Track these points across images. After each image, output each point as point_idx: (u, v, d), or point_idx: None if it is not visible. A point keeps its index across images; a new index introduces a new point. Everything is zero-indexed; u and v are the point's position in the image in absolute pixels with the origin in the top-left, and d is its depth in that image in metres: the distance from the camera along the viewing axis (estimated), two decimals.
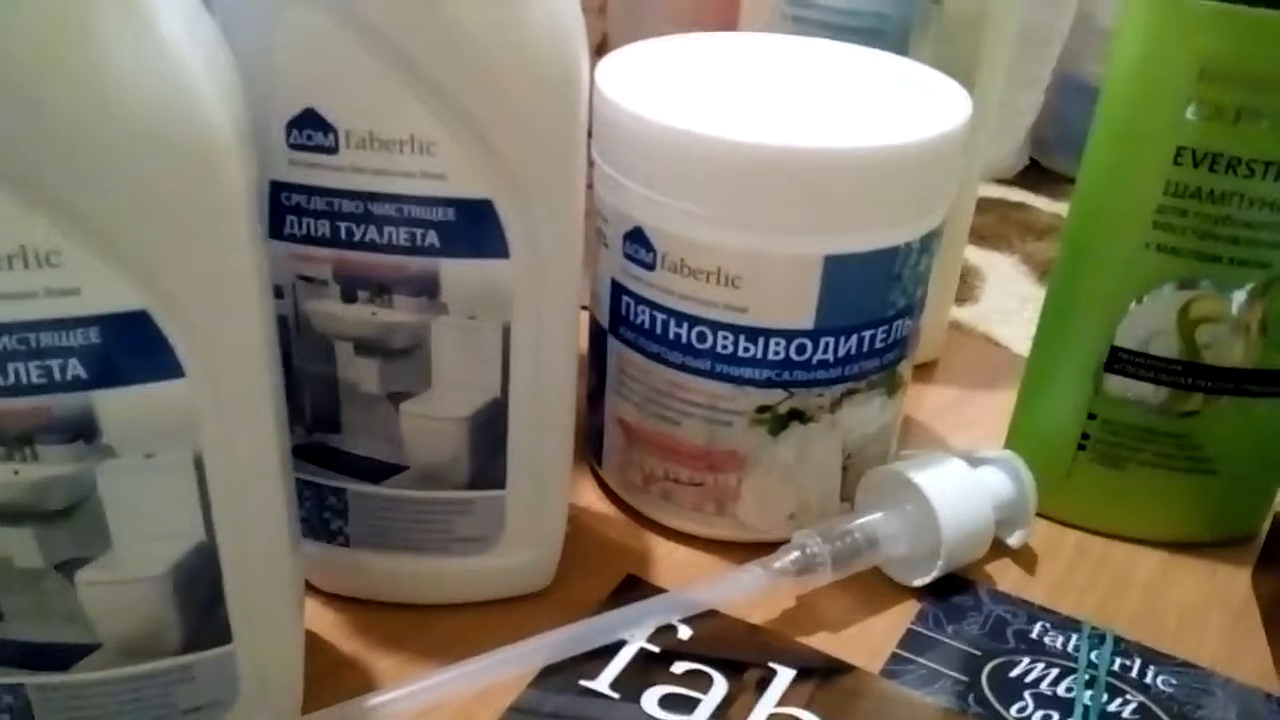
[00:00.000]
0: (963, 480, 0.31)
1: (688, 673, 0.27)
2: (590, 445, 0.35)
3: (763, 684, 0.27)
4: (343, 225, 0.24)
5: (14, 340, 0.18)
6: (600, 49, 0.43)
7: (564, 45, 0.23)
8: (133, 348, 0.19)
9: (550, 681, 0.26)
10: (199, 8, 0.19)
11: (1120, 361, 0.32)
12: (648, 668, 0.27)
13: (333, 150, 0.23)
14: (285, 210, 0.24)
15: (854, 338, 0.30)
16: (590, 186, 0.30)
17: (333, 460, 0.27)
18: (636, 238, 0.29)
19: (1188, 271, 0.31)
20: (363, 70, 0.22)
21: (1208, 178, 0.29)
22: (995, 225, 0.61)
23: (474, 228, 0.24)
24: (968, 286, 0.54)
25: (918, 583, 0.31)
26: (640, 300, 0.30)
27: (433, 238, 0.24)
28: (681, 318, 0.30)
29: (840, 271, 0.29)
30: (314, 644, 0.27)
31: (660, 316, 0.30)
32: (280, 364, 0.23)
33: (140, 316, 0.19)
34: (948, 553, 0.30)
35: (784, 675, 0.27)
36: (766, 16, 0.41)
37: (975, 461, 0.32)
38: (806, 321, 0.29)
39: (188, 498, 0.21)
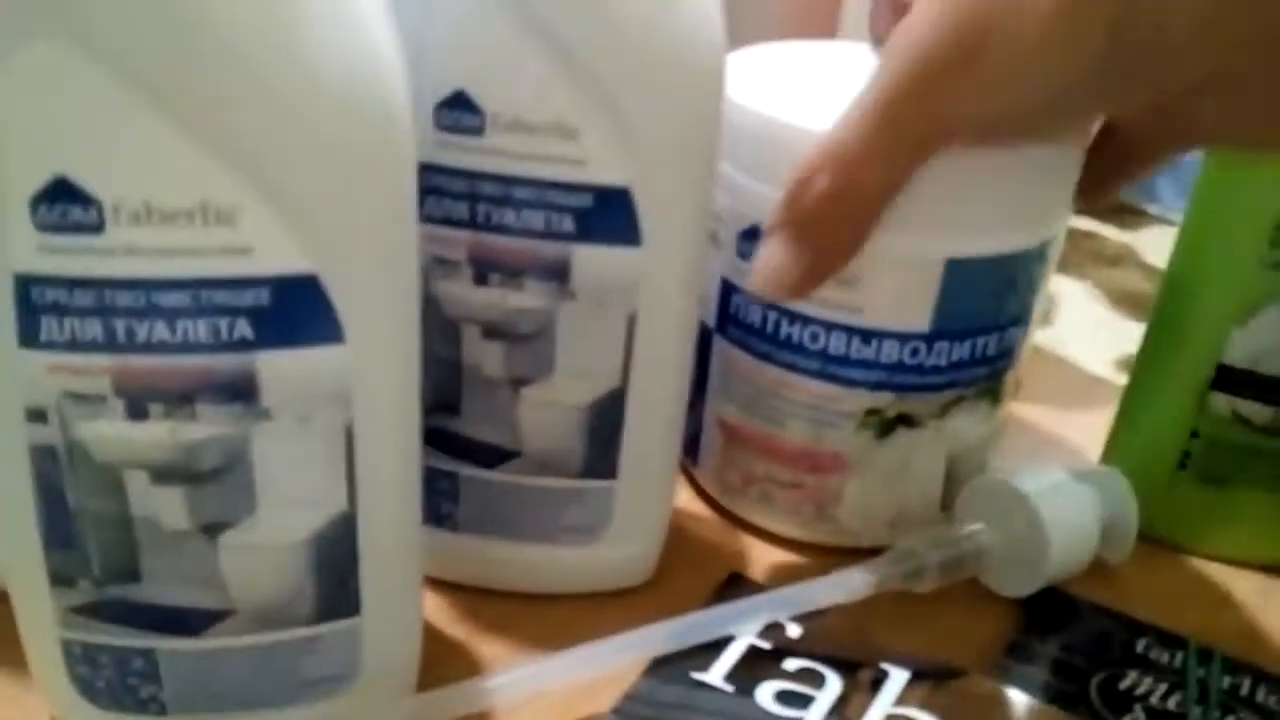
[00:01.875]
0: (1070, 494, 0.31)
1: (800, 670, 0.27)
2: (686, 446, 0.34)
3: (876, 684, 0.27)
4: (481, 208, 0.25)
5: (187, 296, 0.19)
6: None
7: (709, 39, 0.24)
8: (299, 311, 0.19)
9: (662, 672, 0.26)
10: None
11: (1228, 380, 0.32)
12: (759, 663, 0.27)
13: (479, 132, 0.24)
14: (427, 191, 0.24)
15: (968, 344, 0.30)
16: None
17: (449, 443, 0.28)
18: (753, 236, 0.29)
19: None
20: (514, 54, 0.23)
21: None
22: (1067, 253, 0.61)
23: (609, 215, 0.25)
24: (1042, 310, 0.54)
25: (1019, 594, 0.31)
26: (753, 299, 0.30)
27: (568, 223, 0.25)
28: (794, 317, 0.30)
29: (961, 275, 0.29)
30: (421, 627, 0.27)
31: (772, 315, 0.30)
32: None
33: (309, 280, 0.19)
34: (1052, 566, 0.30)
35: (898, 676, 0.27)
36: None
37: (1077, 476, 0.32)
38: (922, 325, 0.29)
39: (335, 465, 0.21)
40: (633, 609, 0.29)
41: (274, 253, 0.19)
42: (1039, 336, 0.51)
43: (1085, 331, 0.53)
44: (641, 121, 0.24)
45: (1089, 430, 0.37)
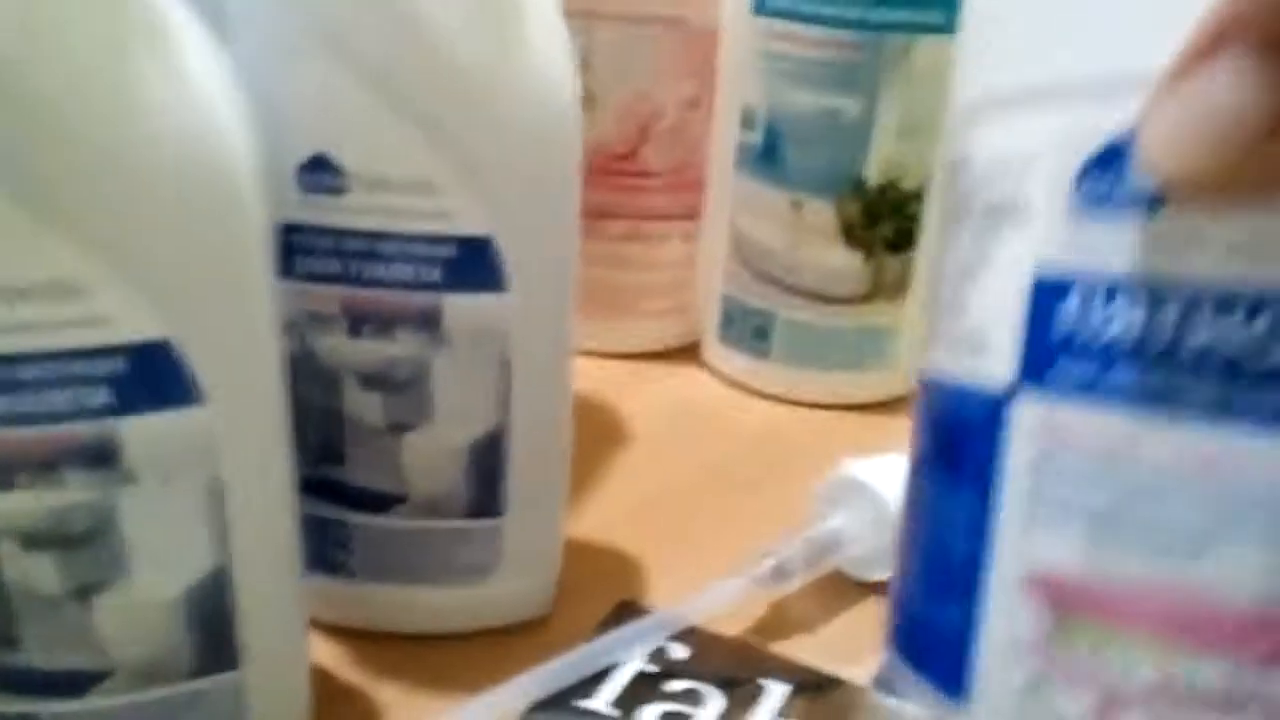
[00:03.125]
0: None
1: (684, 691, 0.28)
2: (914, 639, 0.19)
3: (755, 698, 0.28)
4: (350, 263, 0.25)
5: (45, 369, 0.19)
6: (585, 103, 0.45)
7: (557, 90, 0.25)
8: (157, 375, 0.20)
9: (549, 705, 0.27)
10: (220, 51, 0.21)
11: None
12: (644, 687, 0.28)
13: (341, 192, 0.25)
14: (295, 250, 0.25)
15: None
16: None
17: (337, 492, 0.28)
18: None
19: None
20: (369, 115, 0.24)
21: None
22: None
23: (474, 264, 0.26)
24: None
25: (879, 578, 0.33)
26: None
27: (436, 274, 0.26)
28: (1227, 295, 0.14)
29: None
30: (316, 675, 0.28)
31: (1169, 299, 0.14)
32: (288, 397, 0.24)
33: (164, 345, 0.20)
34: None
35: (777, 690, 0.28)
36: (745, 67, 0.43)
37: None
38: None
39: (205, 522, 0.22)
40: (529, 643, 0.30)
41: (128, 321, 0.19)
42: None
43: None
44: (497, 173, 0.25)
45: None
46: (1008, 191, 0.16)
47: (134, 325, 0.20)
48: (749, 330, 0.46)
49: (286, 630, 0.25)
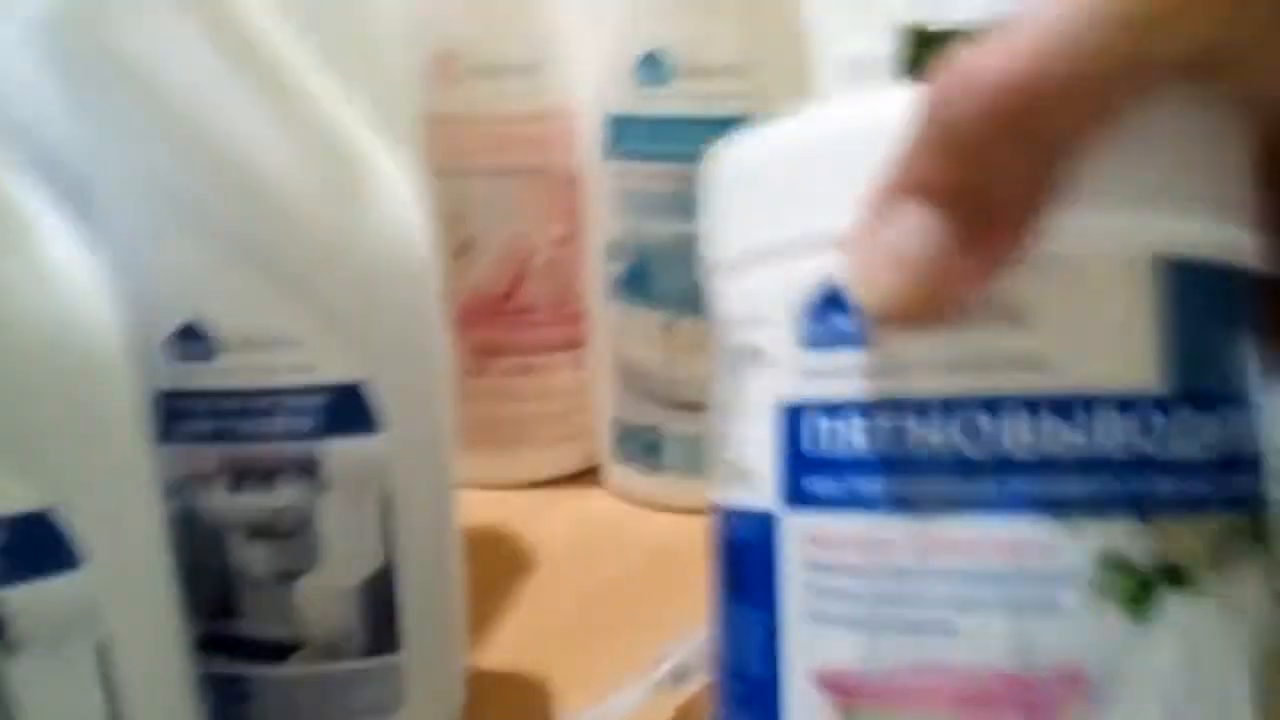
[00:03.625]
0: None
1: None
2: None
3: None
4: (225, 423, 0.27)
5: None
6: (465, 249, 0.48)
7: (409, 240, 0.27)
8: (35, 544, 0.21)
9: None
10: (79, 239, 0.22)
11: None
12: None
13: (210, 357, 0.26)
14: (171, 415, 0.27)
15: (1214, 418, 0.17)
16: None
17: (233, 646, 0.29)
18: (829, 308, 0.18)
19: None
20: (233, 281, 0.26)
21: None
22: None
23: (346, 409, 0.27)
24: None
25: None
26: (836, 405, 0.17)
27: (309, 423, 0.27)
28: (922, 408, 0.16)
29: (1188, 288, 0.16)
30: None
31: (882, 422, 0.17)
32: (174, 558, 0.25)
33: (41, 517, 0.21)
34: None
35: None
36: (605, 205, 0.46)
37: None
38: (1147, 378, 0.16)
39: (92, 688, 0.22)
40: None
41: (5, 497, 0.21)
42: None
43: None
44: (359, 322, 0.27)
45: None
46: (748, 338, 0.19)
47: (11, 499, 0.21)
48: (640, 448, 0.48)
49: None
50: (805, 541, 0.17)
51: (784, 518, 0.18)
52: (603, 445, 0.50)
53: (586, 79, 0.46)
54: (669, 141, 0.43)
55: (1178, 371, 0.16)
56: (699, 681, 0.33)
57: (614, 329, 0.48)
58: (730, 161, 0.20)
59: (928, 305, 0.16)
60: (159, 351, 0.26)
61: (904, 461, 0.16)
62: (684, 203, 0.44)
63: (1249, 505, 0.17)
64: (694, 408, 0.46)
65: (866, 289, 0.16)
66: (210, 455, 0.27)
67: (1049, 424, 0.16)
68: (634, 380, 0.47)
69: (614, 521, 0.48)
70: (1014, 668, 0.15)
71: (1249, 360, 0.17)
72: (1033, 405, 0.16)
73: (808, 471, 0.17)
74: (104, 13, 0.24)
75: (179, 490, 0.27)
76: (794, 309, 0.18)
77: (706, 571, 0.37)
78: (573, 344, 0.50)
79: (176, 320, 0.26)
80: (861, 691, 0.17)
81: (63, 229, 0.22)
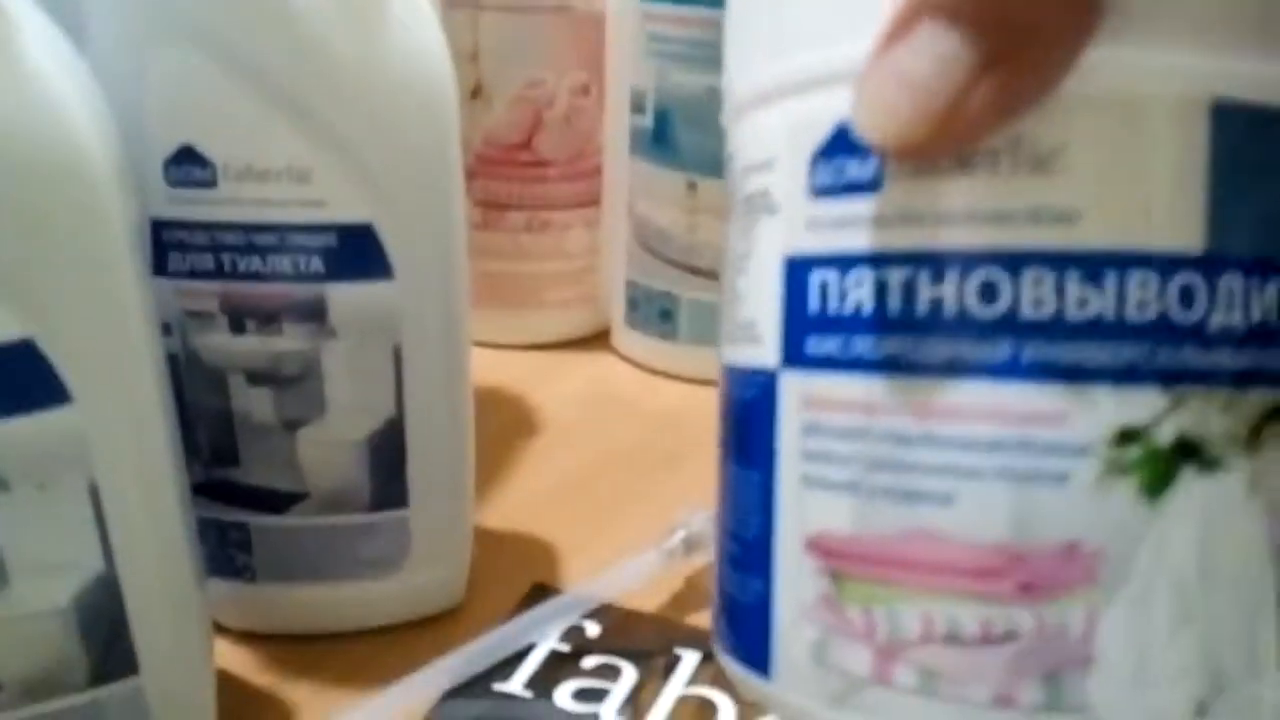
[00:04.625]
0: None
1: (598, 667, 0.28)
2: (730, 619, 0.18)
3: (669, 669, 0.28)
4: (226, 257, 0.25)
5: None
6: (476, 93, 0.45)
7: (430, 72, 0.25)
8: (20, 376, 0.19)
9: (463, 689, 0.27)
10: (70, 48, 0.20)
11: None
12: (559, 666, 0.28)
13: (211, 184, 0.24)
14: (168, 247, 0.25)
15: (1273, 281, 0.15)
16: None
17: (233, 494, 0.28)
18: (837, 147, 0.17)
19: None
20: (235, 104, 0.23)
21: None
22: None
23: (356, 251, 0.25)
24: None
25: None
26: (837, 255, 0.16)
27: (316, 264, 0.25)
28: (936, 262, 0.15)
29: (1243, 134, 0.14)
30: (225, 681, 0.27)
31: (897, 274, 0.15)
32: (173, 399, 0.24)
33: (25, 345, 0.19)
34: None
35: (689, 659, 0.28)
36: (631, 51, 0.43)
37: None
38: (1190, 239, 0.14)
39: (84, 528, 0.21)
40: (441, 634, 0.30)
41: None
42: None
43: None
44: (373, 158, 0.25)
45: None
46: (759, 185, 0.17)
47: None
48: (655, 313, 0.47)
49: (181, 639, 0.24)
50: (804, 402, 0.16)
51: (783, 377, 0.17)
52: (614, 309, 0.49)
53: None
54: None
55: (1227, 233, 0.14)
56: (710, 553, 0.32)
57: (634, 188, 0.45)
58: None
59: (940, 137, 0.14)
60: (155, 176, 0.24)
61: (911, 321, 0.15)
62: (716, 53, 0.41)
63: None
64: (713, 275, 0.45)
65: (870, 115, 0.14)
66: (210, 292, 0.25)
67: (1074, 285, 0.14)
68: (652, 243, 0.45)
69: (624, 389, 0.47)
70: (1013, 541, 0.14)
71: None
72: (1058, 263, 0.14)
73: (810, 330, 0.16)
74: None
75: (177, 328, 0.26)
76: (804, 152, 0.16)
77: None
78: (589, 201, 0.48)
79: (173, 142, 0.24)
80: (852, 558, 0.16)
81: (51, 33, 0.20)
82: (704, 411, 0.44)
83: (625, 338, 0.49)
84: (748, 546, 0.18)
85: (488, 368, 0.46)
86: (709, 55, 0.41)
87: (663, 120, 0.43)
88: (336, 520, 0.28)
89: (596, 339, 0.51)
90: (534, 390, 0.46)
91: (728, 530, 0.18)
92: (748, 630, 0.18)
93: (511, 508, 0.37)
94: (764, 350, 0.17)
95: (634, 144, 0.44)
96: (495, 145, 0.46)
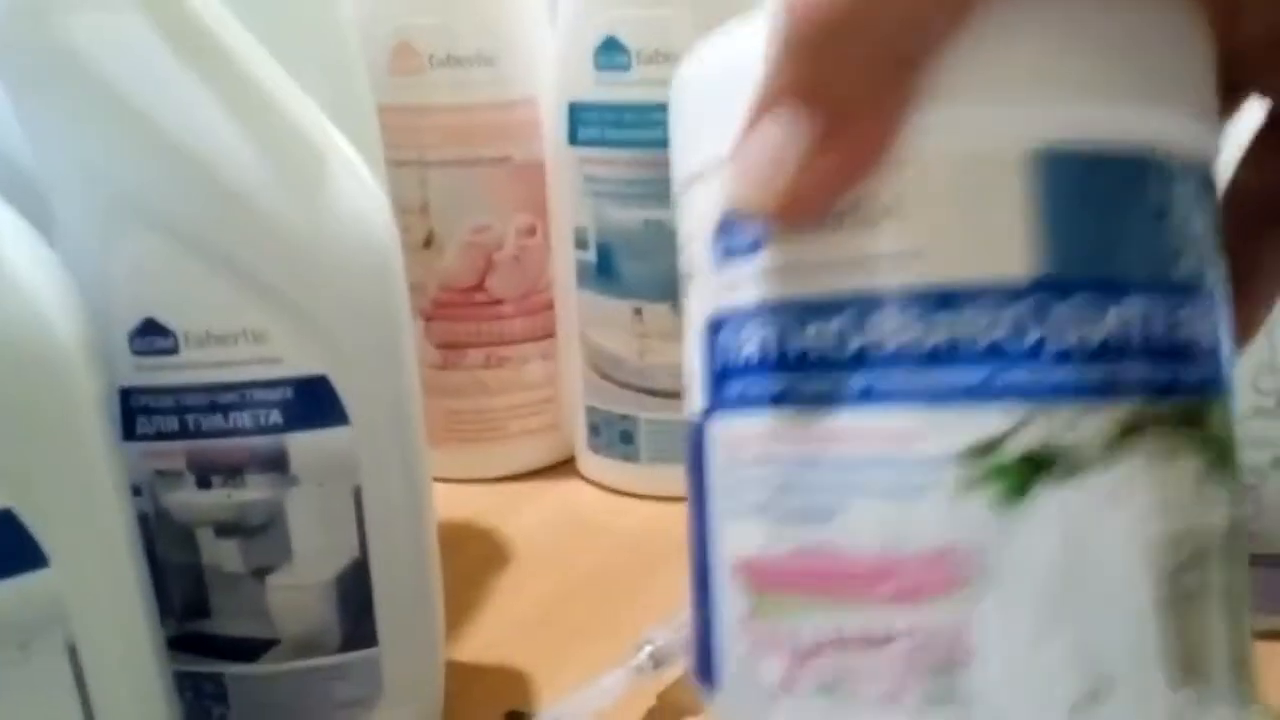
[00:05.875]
0: None
1: None
2: (693, 643, 0.20)
3: None
4: (190, 418, 0.27)
5: None
6: (428, 243, 0.47)
7: (372, 233, 0.27)
8: (0, 543, 0.21)
9: None
10: (37, 238, 0.22)
11: None
12: None
13: (174, 351, 0.26)
14: (136, 412, 0.26)
15: (1110, 306, 0.16)
16: None
17: (207, 646, 0.29)
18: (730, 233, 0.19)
19: None
20: (192, 277, 0.25)
21: None
22: None
23: (313, 402, 0.27)
24: None
25: None
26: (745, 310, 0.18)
27: (276, 416, 0.27)
28: (808, 312, 0.17)
29: (1065, 177, 0.16)
30: None
31: (772, 318, 0.17)
32: (144, 557, 0.25)
33: (5, 516, 0.21)
34: None
35: None
36: (571, 193, 0.46)
37: None
38: (1017, 268, 0.16)
39: (65, 688, 0.22)
40: None
41: None
42: None
43: None
44: (323, 314, 0.26)
45: None
46: (687, 257, 0.20)
47: None
48: (615, 437, 0.48)
49: None
50: (724, 442, 0.18)
51: (706, 424, 0.19)
52: (577, 435, 0.50)
53: (547, 68, 0.46)
54: (631, 128, 0.43)
55: (1059, 262, 0.16)
56: (680, 666, 0.33)
57: (584, 318, 0.47)
58: (673, 89, 0.21)
59: (794, 206, 0.16)
60: (121, 348, 0.26)
61: (791, 361, 0.17)
62: (649, 189, 0.44)
63: (1174, 392, 0.16)
64: (668, 395, 0.46)
65: (737, 189, 0.17)
66: (177, 451, 0.27)
67: (923, 316, 0.16)
68: (607, 369, 0.47)
69: (590, 512, 0.48)
70: (890, 550, 0.16)
71: (1172, 246, 0.17)
72: (908, 299, 0.16)
73: (723, 379, 0.18)
74: (50, 5, 0.24)
75: (146, 488, 0.27)
76: (709, 226, 0.19)
77: (683, 558, 0.37)
78: (544, 334, 0.50)
79: (137, 316, 0.26)
80: (764, 576, 0.18)
81: (20, 227, 0.22)
82: (668, 528, 0.46)
83: (589, 462, 0.50)
84: (696, 578, 0.20)
85: (457, 502, 0.48)
86: (641, 192, 0.44)
87: (605, 254, 0.45)
88: (309, 664, 0.29)
89: (562, 466, 0.52)
90: (503, 522, 0.47)
91: (690, 567, 0.20)
92: (701, 651, 0.20)
93: (484, 639, 0.38)
94: (695, 401, 0.19)
95: (580, 278, 0.47)
96: (450, 289, 0.48)
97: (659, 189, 0.43)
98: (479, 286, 0.48)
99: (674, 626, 0.33)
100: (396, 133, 0.43)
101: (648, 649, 0.32)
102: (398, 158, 0.44)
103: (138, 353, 0.26)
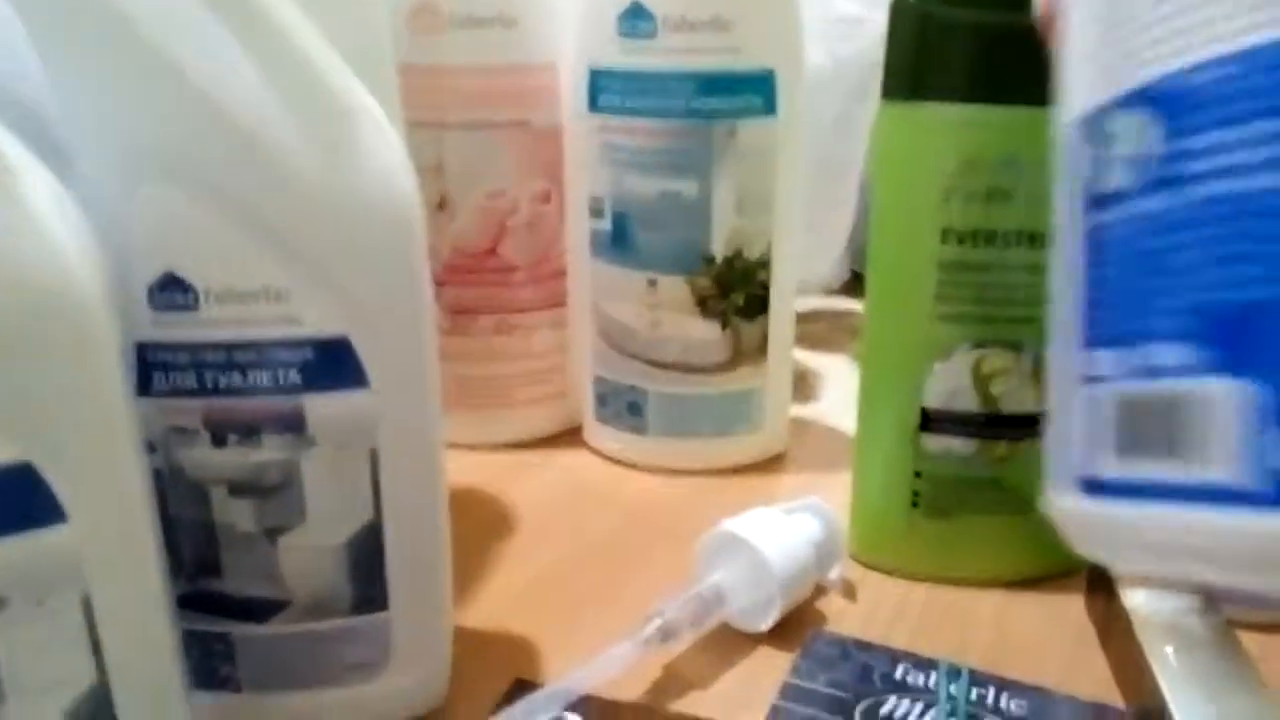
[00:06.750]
0: (780, 526, 0.36)
1: None
2: None
3: None
4: (208, 375, 0.26)
5: None
6: (442, 205, 0.47)
7: (397, 193, 0.27)
8: (17, 498, 0.20)
9: None
10: (61, 189, 0.22)
11: (931, 421, 0.37)
12: None
13: (193, 307, 0.26)
14: (152, 367, 0.26)
15: None
16: None
17: (216, 605, 0.28)
18: None
19: (975, 334, 0.35)
20: (214, 232, 0.25)
21: (972, 252, 0.34)
22: (827, 332, 0.66)
23: (333, 364, 0.27)
24: (808, 387, 0.58)
25: (763, 627, 0.35)
26: None
27: (295, 376, 0.26)
28: None
29: None
30: None
31: None
32: (158, 513, 0.25)
33: (22, 470, 0.20)
34: (783, 592, 0.34)
35: None
36: (588, 161, 0.45)
37: (788, 511, 0.37)
38: None
39: (79, 642, 0.22)
40: None
41: None
42: (805, 411, 0.55)
43: (850, 400, 0.57)
44: (345, 275, 0.26)
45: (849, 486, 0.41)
46: None
47: None
48: (623, 408, 0.48)
49: None
50: None
51: None
52: (585, 405, 0.50)
53: (569, 32, 0.45)
54: (652, 96, 0.43)
55: None
56: (686, 639, 0.33)
57: (597, 288, 0.47)
58: None
59: None
60: (140, 302, 0.25)
61: None
62: (668, 158, 0.43)
63: None
64: (678, 368, 0.46)
65: None
66: (193, 409, 0.26)
67: None
68: (618, 340, 0.47)
69: (596, 483, 0.48)
70: None
71: None
72: None
73: None
74: None
75: (161, 444, 0.27)
76: None
77: (689, 530, 0.37)
78: (555, 303, 0.50)
79: (157, 270, 0.25)
80: None
81: (44, 176, 0.21)
82: (674, 500, 0.46)
83: (596, 432, 0.50)
84: None
85: (464, 469, 0.47)
86: (661, 161, 0.43)
87: (621, 223, 0.45)
88: (318, 626, 0.29)
89: (568, 435, 0.52)
90: (509, 489, 0.47)
91: None
92: None
93: (491, 605, 0.38)
94: None
95: (595, 247, 0.46)
96: (462, 254, 0.47)
97: (678, 159, 0.43)
98: (491, 252, 0.48)
99: (682, 600, 0.33)
100: (414, 93, 0.42)
101: (656, 621, 0.32)
102: (414, 118, 0.43)
103: (157, 307, 0.25)
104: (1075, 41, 0.18)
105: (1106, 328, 0.18)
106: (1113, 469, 0.17)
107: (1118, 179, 0.17)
